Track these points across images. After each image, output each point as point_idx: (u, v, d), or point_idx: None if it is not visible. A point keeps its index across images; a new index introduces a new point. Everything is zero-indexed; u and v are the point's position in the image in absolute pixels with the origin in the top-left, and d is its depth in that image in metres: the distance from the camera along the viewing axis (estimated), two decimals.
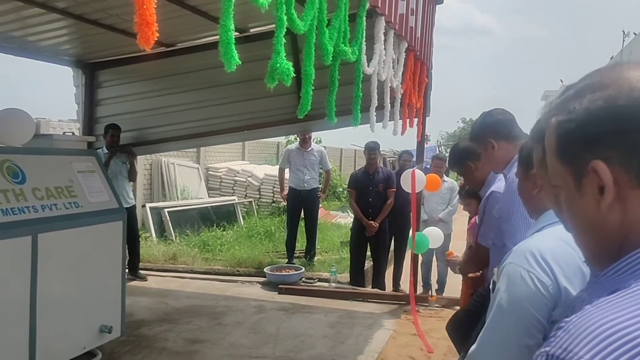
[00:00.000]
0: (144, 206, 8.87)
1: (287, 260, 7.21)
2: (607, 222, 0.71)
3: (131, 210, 6.06)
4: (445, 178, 6.65)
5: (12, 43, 5.34)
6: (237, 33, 5.16)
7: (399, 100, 4.72)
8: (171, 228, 8.82)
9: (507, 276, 1.33)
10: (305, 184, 7.17)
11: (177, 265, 7.23)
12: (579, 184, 0.73)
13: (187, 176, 10.56)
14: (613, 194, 0.69)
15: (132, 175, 6.23)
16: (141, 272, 6.53)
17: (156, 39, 1.71)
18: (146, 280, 6.43)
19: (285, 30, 2.32)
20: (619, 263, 0.70)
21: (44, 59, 5.90)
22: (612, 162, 0.68)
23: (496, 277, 1.44)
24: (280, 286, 6.21)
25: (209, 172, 11.58)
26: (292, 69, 2.28)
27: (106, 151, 5.90)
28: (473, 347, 1.39)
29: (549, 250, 1.32)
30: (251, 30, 5.29)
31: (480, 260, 2.70)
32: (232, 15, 2.03)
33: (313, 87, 2.83)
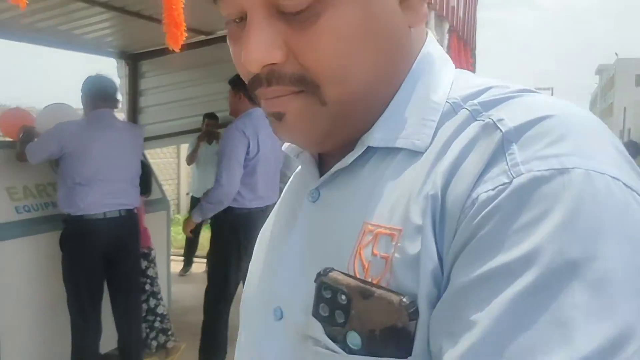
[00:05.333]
0: (188, 194, 8.99)
1: None
2: None
3: None
4: None
5: (58, 37, 5.47)
6: None
7: None
8: None
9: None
10: None
11: None
12: None
13: None
14: None
15: None
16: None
17: (194, 27, 1.71)
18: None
19: None
20: None
21: (88, 51, 6.04)
22: None
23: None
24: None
25: None
26: None
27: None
28: None
29: None
30: None
31: None
32: None
33: None
